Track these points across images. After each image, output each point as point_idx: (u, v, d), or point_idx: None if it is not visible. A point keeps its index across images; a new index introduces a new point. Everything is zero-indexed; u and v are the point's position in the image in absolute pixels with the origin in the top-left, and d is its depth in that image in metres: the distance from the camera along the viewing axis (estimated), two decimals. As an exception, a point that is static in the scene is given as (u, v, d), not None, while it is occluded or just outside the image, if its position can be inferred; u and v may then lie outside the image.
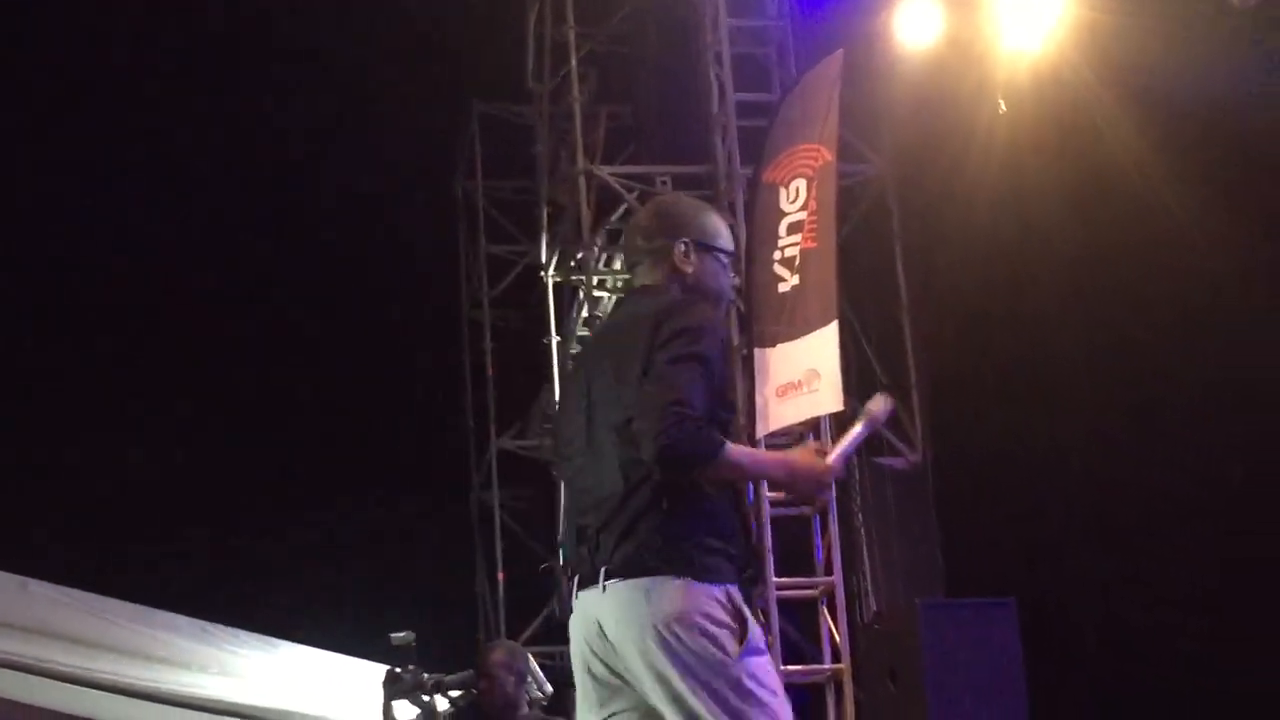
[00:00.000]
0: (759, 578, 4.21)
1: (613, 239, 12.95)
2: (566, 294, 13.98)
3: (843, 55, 10.67)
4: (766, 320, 10.59)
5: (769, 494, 10.74)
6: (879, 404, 4.30)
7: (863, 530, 11.94)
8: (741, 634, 3.77)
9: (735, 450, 3.82)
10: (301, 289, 15.74)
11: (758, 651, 3.81)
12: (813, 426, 10.61)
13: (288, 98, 15.02)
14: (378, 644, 7.98)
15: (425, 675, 7.42)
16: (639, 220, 4.38)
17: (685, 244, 4.15)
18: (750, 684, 3.75)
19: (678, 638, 3.72)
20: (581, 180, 12.26)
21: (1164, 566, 14.49)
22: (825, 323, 9.84)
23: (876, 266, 12.67)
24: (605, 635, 3.85)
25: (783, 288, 10.42)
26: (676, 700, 3.74)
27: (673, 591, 3.74)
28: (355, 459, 15.85)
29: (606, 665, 3.89)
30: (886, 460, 12.21)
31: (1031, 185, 12.63)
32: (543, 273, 14.52)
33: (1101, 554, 14.46)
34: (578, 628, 3.95)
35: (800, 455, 4.09)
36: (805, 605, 10.87)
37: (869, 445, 12.25)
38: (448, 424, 16.55)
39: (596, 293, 13.04)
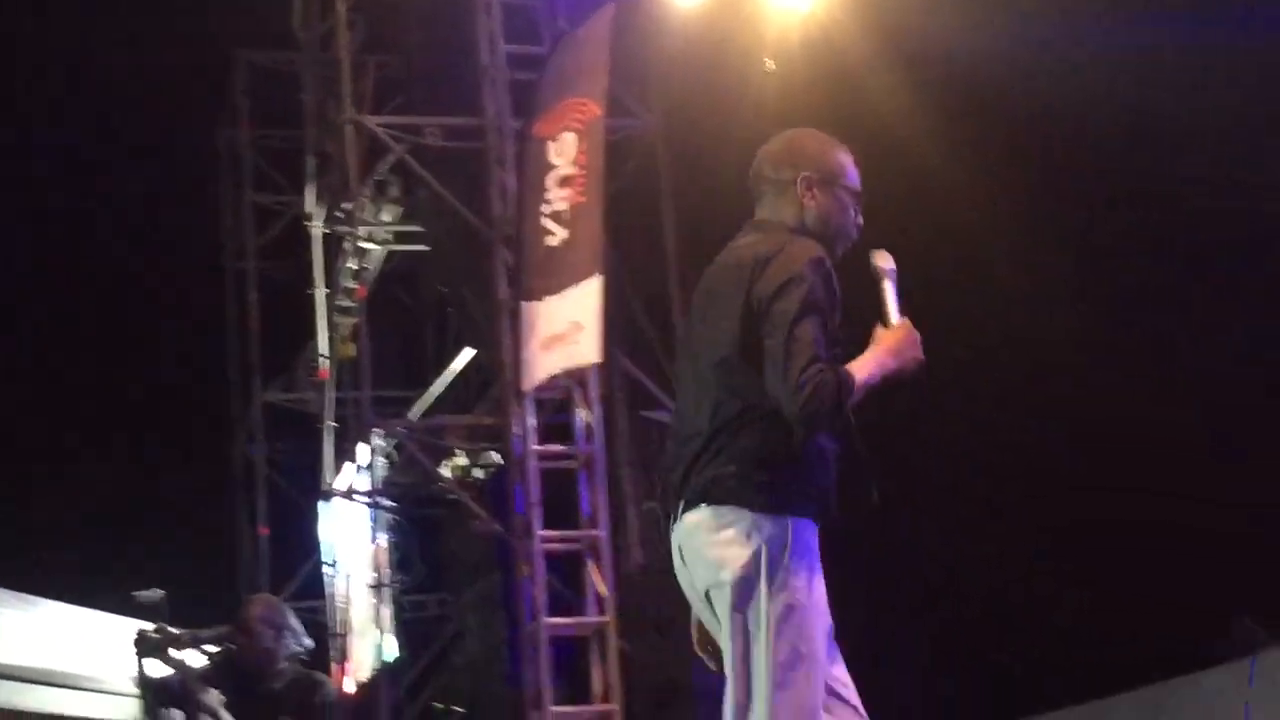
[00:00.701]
0: (830, 513, 4.09)
1: (381, 190, 12.80)
2: (334, 245, 13.78)
3: (614, 10, 10.66)
4: (534, 274, 10.57)
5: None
6: (882, 259, 4.27)
7: (627, 483, 12.01)
8: (784, 569, 3.85)
9: (860, 374, 3.90)
10: (59, 241, 15.28)
11: (796, 588, 3.86)
12: (577, 379, 10.66)
13: (45, 46, 14.53)
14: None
15: (177, 632, 7.30)
16: (769, 148, 4.33)
17: (809, 177, 4.18)
18: (779, 625, 3.83)
19: (726, 565, 3.86)
20: (349, 130, 12.07)
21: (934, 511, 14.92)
22: (589, 275, 9.85)
23: (646, 221, 12.72)
24: (685, 562, 4.01)
25: (551, 241, 10.40)
26: (726, 626, 3.89)
27: (730, 522, 3.86)
28: (116, 413, 15.48)
29: (693, 590, 4.04)
30: (651, 413, 12.29)
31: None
32: (308, 223, 14.30)
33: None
34: (674, 557, 4.07)
35: (884, 341, 4.05)
36: (571, 558, 10.90)
37: (634, 398, 12.35)
38: (211, 377, 16.25)
39: (364, 244, 12.88)
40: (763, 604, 3.84)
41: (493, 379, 11.85)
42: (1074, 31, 11.76)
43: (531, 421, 10.86)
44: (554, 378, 10.46)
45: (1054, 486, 14.13)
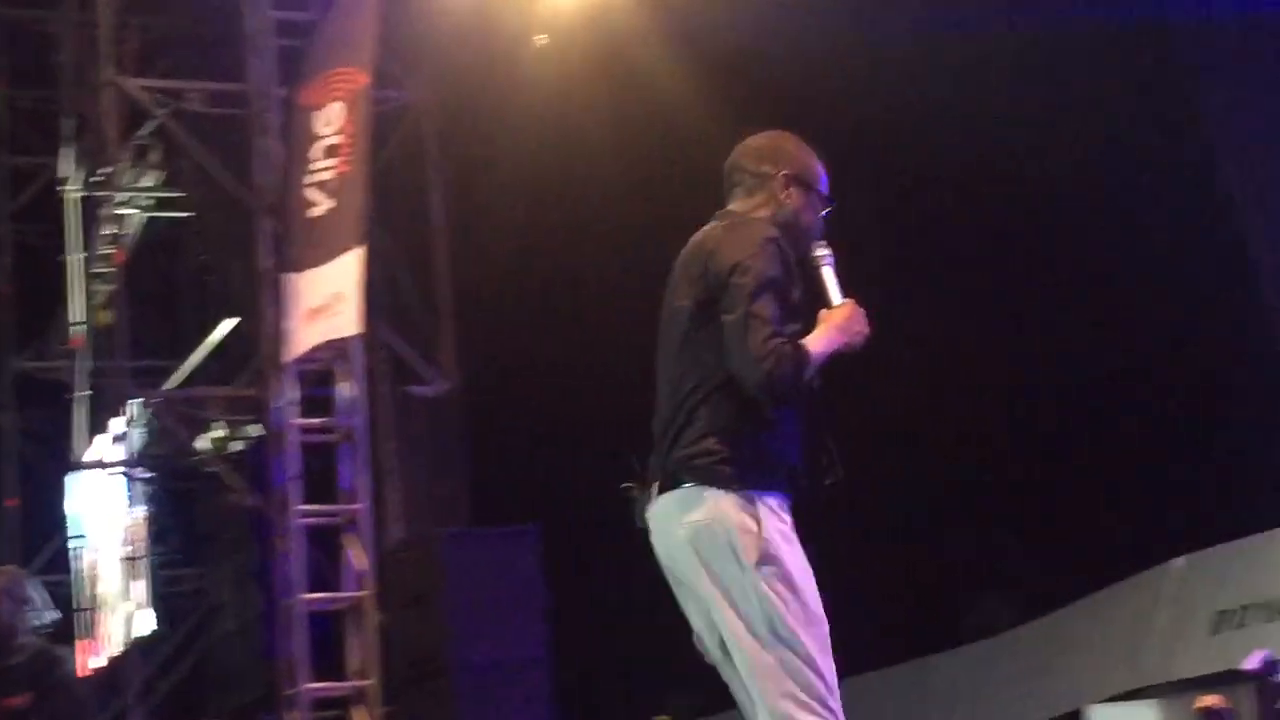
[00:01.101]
0: (798, 486, 4.05)
1: (141, 155, 12.49)
2: (91, 210, 13.39)
3: (384, -21, 10.54)
4: (297, 245, 10.42)
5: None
6: (819, 248, 4.32)
7: (389, 457, 11.93)
8: (760, 543, 3.91)
9: (813, 348, 4.02)
10: None
11: (776, 560, 3.92)
12: (339, 351, 10.53)
13: None
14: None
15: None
16: (751, 144, 4.39)
17: (790, 175, 4.27)
18: (767, 593, 3.90)
19: (704, 545, 3.94)
20: (108, 92, 11.74)
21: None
22: (352, 247, 9.74)
23: (414, 194, 12.62)
24: (661, 546, 4.09)
25: (315, 212, 10.26)
26: (712, 604, 3.97)
27: (700, 502, 3.94)
28: None
29: (671, 570, 4.10)
30: (415, 388, 12.22)
31: (579, 119, 12.80)
32: (63, 187, 13.88)
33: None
34: (653, 535, 4.12)
35: (831, 319, 4.14)
36: (330, 532, 10.78)
37: (399, 372, 12.26)
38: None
39: (123, 210, 12.55)
40: (751, 581, 3.91)
41: (254, 350, 11.65)
42: (859, 18, 11.97)
43: (292, 394, 10.70)
44: (316, 350, 10.32)
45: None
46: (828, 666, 4.00)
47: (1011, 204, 13.56)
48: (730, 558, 3.92)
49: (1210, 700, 11.72)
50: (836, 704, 4.05)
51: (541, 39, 11.66)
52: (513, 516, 11.54)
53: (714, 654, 4.12)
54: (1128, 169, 13.12)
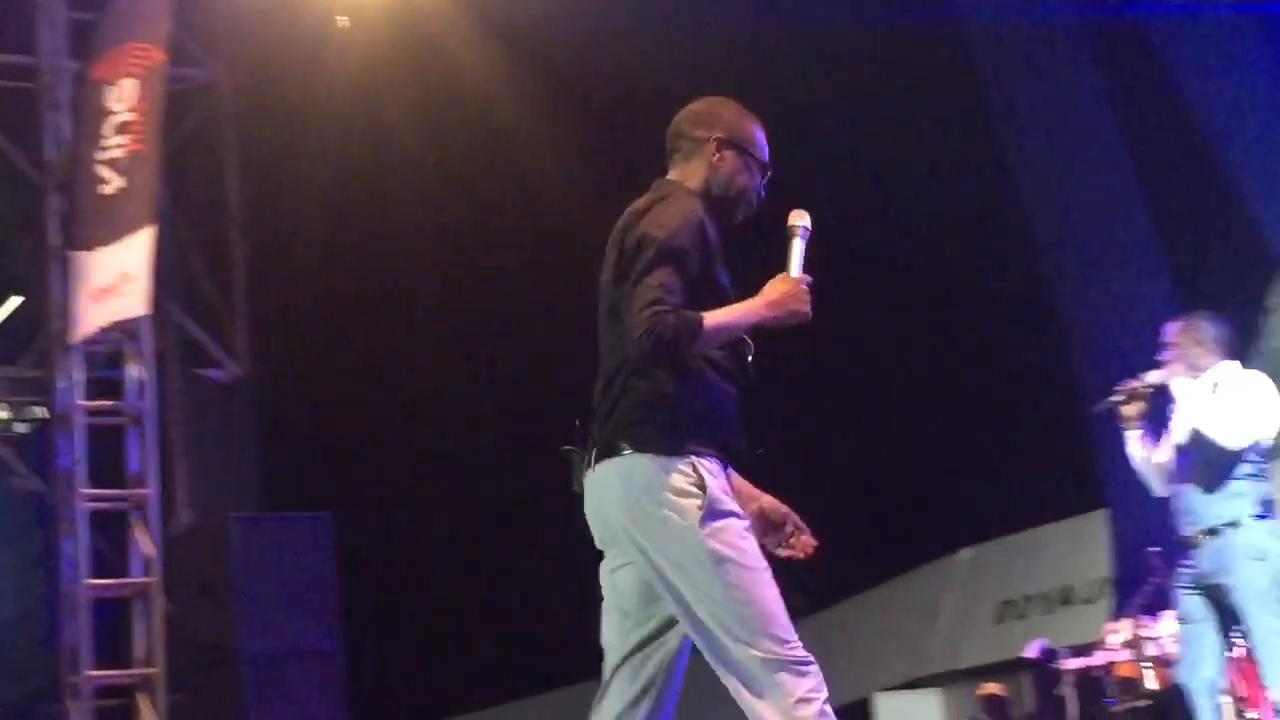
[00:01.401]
0: (734, 452, 4.13)
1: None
2: None
3: (179, -46, 10.35)
4: (87, 223, 10.18)
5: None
6: (798, 218, 4.32)
7: (177, 442, 11.72)
8: (704, 503, 3.93)
9: (714, 318, 3.98)
10: None
11: (721, 516, 3.96)
12: (128, 333, 10.32)
13: None
14: None
15: None
16: (690, 108, 4.37)
17: (722, 139, 4.25)
18: (717, 550, 3.92)
19: (645, 513, 3.94)
20: None
21: (478, 484, 15.05)
22: (142, 227, 9.56)
23: (211, 175, 12.43)
24: (594, 515, 4.09)
25: (105, 190, 10.03)
26: (656, 571, 3.97)
27: (637, 468, 3.96)
28: None
29: (603, 537, 4.10)
30: (207, 372, 12.04)
31: (385, 104, 12.69)
32: None
33: (423, 473, 14.85)
34: (587, 502, 4.11)
35: (767, 291, 4.15)
36: (116, 517, 10.56)
37: (191, 355, 12.05)
38: None
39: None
40: (699, 541, 3.93)
41: (39, 330, 11.37)
42: (669, 6, 12.04)
43: (79, 375, 10.46)
44: (104, 331, 10.11)
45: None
46: (780, 606, 4.06)
47: (813, 202, 13.78)
48: (673, 522, 3.94)
49: (991, 688, 12.05)
50: (795, 637, 4.10)
51: (343, 21, 11.54)
52: (305, 504, 11.44)
53: (629, 619, 4.12)
54: (927, 170, 13.41)
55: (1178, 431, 6.17)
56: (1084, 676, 8.35)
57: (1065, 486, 13.57)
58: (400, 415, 14.70)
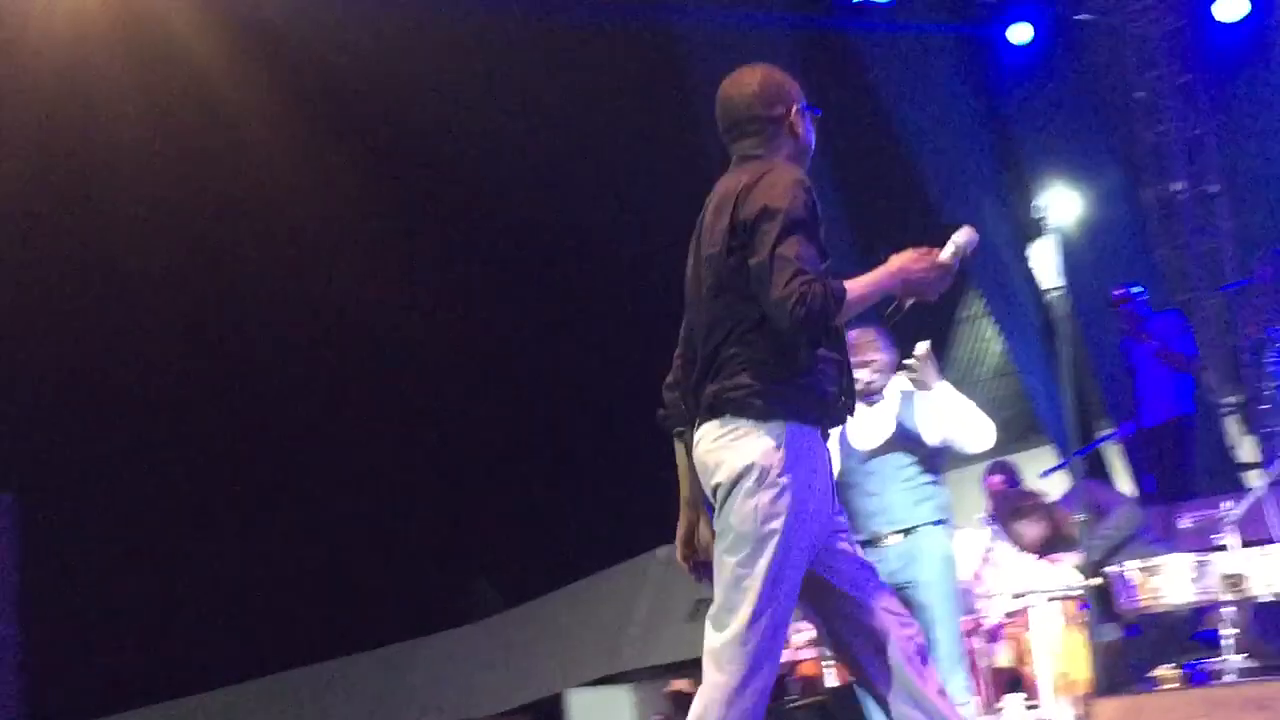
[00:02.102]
0: (846, 413, 4.28)
1: None
2: None
3: None
4: None
5: None
6: (964, 234, 4.41)
7: None
8: (786, 474, 4.06)
9: (853, 287, 4.12)
10: None
11: (786, 485, 4.06)
12: None
13: None
14: None
15: None
16: (751, 90, 4.41)
17: (799, 109, 4.42)
18: (775, 507, 4.05)
19: (720, 471, 4.09)
20: None
21: (172, 470, 14.69)
22: None
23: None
24: (701, 466, 4.18)
25: None
26: (722, 532, 4.13)
27: (729, 430, 4.09)
28: None
29: (708, 493, 4.20)
30: None
31: (102, 86, 12.26)
32: None
33: (114, 455, 14.43)
34: (697, 470, 4.22)
35: (893, 261, 4.24)
36: None
37: None
38: None
39: None
40: (751, 507, 4.05)
41: None
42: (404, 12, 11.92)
43: None
44: None
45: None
46: (790, 590, 4.13)
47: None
48: (745, 483, 4.07)
49: (680, 684, 12.26)
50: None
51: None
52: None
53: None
54: (631, 180, 13.55)
55: (880, 431, 6.29)
56: (769, 673, 8.51)
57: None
58: (88, 394, 14.28)
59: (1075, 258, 12.11)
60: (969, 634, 7.01)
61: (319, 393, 15.36)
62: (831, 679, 7.82)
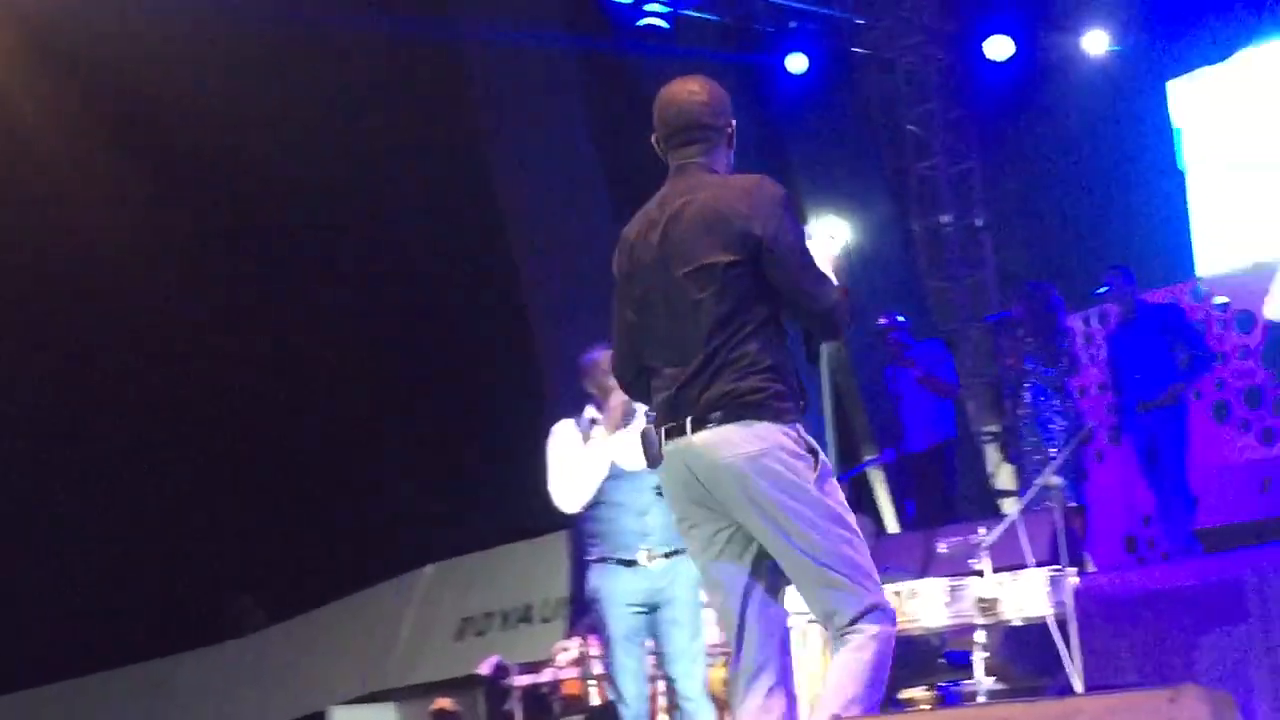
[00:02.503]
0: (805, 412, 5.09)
1: None
2: None
3: None
4: None
5: None
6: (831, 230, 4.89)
7: None
8: (815, 464, 4.30)
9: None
10: None
11: (829, 477, 4.33)
12: None
13: None
14: None
15: None
16: (701, 98, 4.51)
17: (734, 124, 4.55)
18: (828, 503, 4.28)
19: (768, 470, 4.22)
20: None
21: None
22: None
23: None
24: (696, 475, 4.31)
25: None
26: (773, 521, 4.25)
27: (753, 433, 4.23)
28: None
29: (700, 500, 4.36)
30: None
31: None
32: None
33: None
34: (671, 469, 4.37)
35: (835, 270, 4.49)
36: None
37: None
38: None
39: None
40: (815, 499, 4.25)
41: None
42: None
43: None
44: None
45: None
46: (867, 553, 4.36)
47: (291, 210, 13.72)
48: (788, 483, 4.24)
49: (444, 703, 12.16)
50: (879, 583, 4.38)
51: None
52: None
53: (729, 560, 4.40)
54: (412, 190, 13.48)
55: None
56: (532, 693, 8.50)
57: (529, 507, 13.83)
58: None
59: (847, 284, 12.38)
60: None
61: (84, 401, 14.98)
62: (595, 698, 7.84)
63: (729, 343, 4.33)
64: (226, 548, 15.74)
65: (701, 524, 4.46)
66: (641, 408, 6.39)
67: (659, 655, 6.39)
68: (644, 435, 4.45)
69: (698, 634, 6.24)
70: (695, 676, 6.18)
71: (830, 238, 4.67)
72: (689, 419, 4.33)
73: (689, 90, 4.53)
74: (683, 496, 4.46)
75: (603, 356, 6.25)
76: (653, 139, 4.65)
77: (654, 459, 4.45)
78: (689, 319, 4.36)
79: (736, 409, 4.28)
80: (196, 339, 14.29)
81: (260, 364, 14.68)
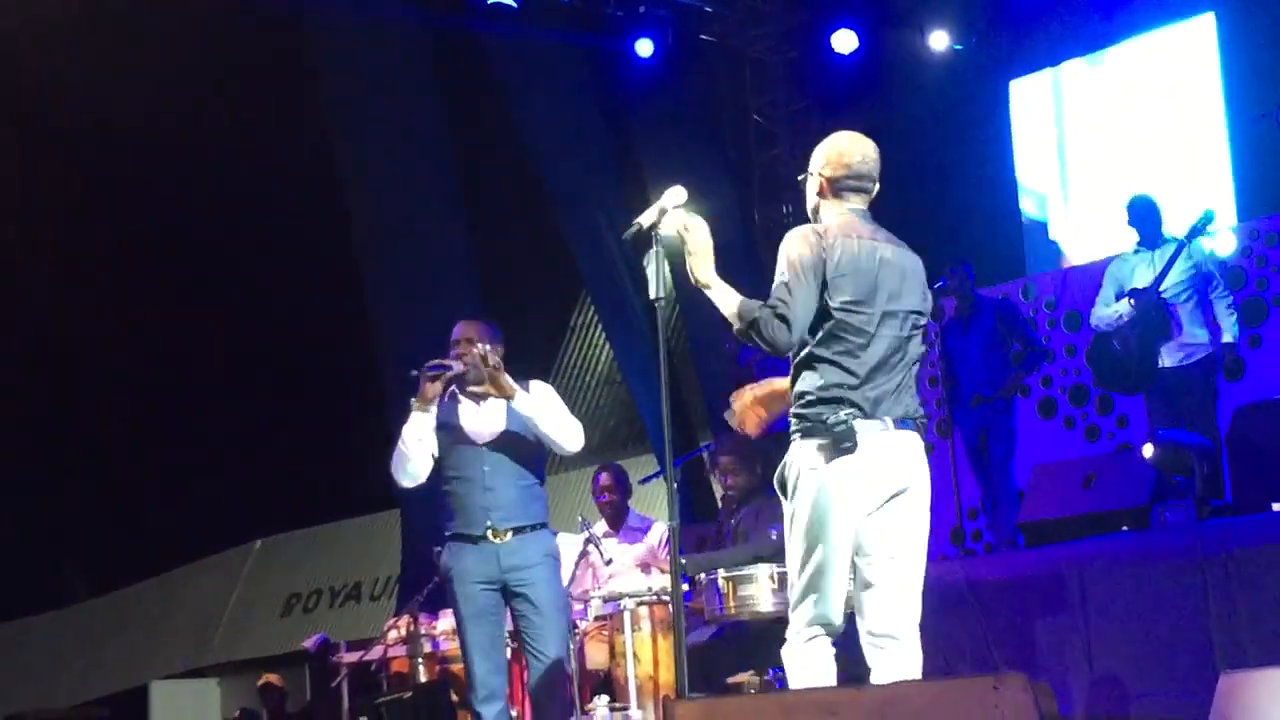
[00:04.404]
0: None
1: None
2: None
3: None
4: None
5: None
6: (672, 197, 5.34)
7: None
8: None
9: None
10: None
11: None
12: None
13: None
14: None
15: None
16: (869, 150, 5.10)
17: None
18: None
19: (923, 477, 5.04)
20: None
21: None
22: None
23: None
24: (883, 461, 4.91)
25: None
26: (918, 510, 5.00)
27: (919, 443, 5.03)
28: None
29: (880, 485, 4.91)
30: None
31: None
32: None
33: None
34: (877, 452, 4.90)
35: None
36: None
37: None
38: None
39: None
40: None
41: None
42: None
43: None
44: None
45: None
46: None
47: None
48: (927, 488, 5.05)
49: (270, 678, 12.06)
50: None
51: None
52: None
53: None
54: (253, 161, 13.32)
55: (494, 425, 6.25)
56: (359, 670, 8.43)
57: (361, 485, 13.75)
58: None
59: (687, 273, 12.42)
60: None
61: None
62: (422, 675, 7.81)
63: (910, 370, 5.14)
64: (51, 519, 15.43)
65: (878, 503, 5.13)
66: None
67: (516, 634, 6.34)
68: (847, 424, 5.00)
69: (555, 616, 6.19)
70: (550, 656, 6.13)
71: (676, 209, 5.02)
72: (890, 418, 5.01)
73: (872, 145, 5.15)
74: (868, 481, 5.04)
75: (460, 327, 6.27)
76: (825, 175, 5.14)
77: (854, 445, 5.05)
78: (897, 341, 5.10)
79: (912, 416, 5.12)
80: (23, 307, 13.99)
81: (92, 334, 14.41)
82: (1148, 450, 7.78)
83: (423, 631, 7.92)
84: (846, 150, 5.11)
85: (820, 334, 4.94)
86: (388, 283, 11.94)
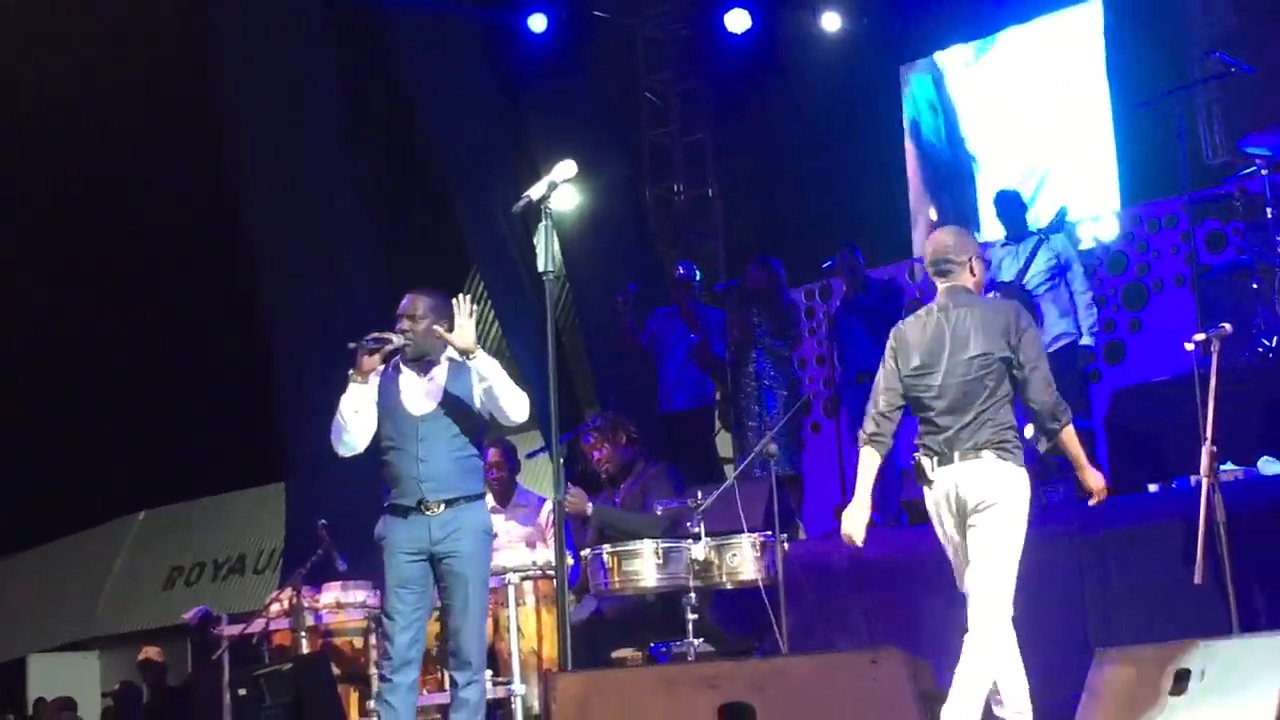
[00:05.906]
0: None
1: None
2: None
3: None
4: None
5: None
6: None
7: None
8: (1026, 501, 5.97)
9: None
10: None
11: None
12: None
13: None
14: None
15: None
16: (945, 241, 6.13)
17: (976, 259, 6.15)
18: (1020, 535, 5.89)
19: (999, 493, 5.85)
20: None
21: None
22: None
23: None
24: (957, 490, 5.87)
25: None
26: (993, 532, 5.82)
27: (1003, 467, 5.88)
28: None
29: (960, 506, 5.88)
30: None
31: None
32: None
33: None
34: (953, 481, 5.90)
35: None
36: None
37: None
38: None
39: None
40: (1015, 523, 5.84)
41: None
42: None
43: None
44: None
45: None
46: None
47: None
48: (1012, 503, 5.86)
49: (150, 652, 11.95)
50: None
51: None
52: None
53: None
54: (142, 137, 13.18)
55: (431, 396, 6.20)
56: (241, 643, 8.37)
57: (247, 458, 13.62)
58: None
59: (579, 247, 12.43)
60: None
61: None
62: (303, 648, 7.78)
63: (983, 408, 5.96)
64: None
65: (959, 529, 5.99)
66: (446, 351, 6.26)
67: (441, 608, 6.32)
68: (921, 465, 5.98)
69: (481, 589, 6.17)
70: (470, 631, 6.12)
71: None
72: (958, 451, 5.95)
73: (939, 240, 6.15)
74: (945, 510, 5.98)
75: (406, 301, 6.25)
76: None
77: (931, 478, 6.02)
78: (966, 385, 5.96)
79: (987, 448, 5.94)
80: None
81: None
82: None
83: (305, 604, 7.89)
84: (925, 246, 6.23)
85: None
86: (278, 255, 11.84)
